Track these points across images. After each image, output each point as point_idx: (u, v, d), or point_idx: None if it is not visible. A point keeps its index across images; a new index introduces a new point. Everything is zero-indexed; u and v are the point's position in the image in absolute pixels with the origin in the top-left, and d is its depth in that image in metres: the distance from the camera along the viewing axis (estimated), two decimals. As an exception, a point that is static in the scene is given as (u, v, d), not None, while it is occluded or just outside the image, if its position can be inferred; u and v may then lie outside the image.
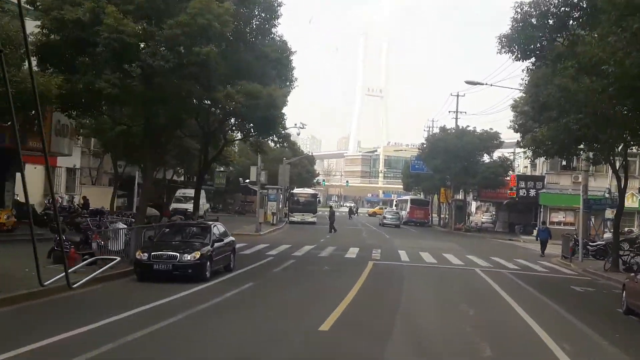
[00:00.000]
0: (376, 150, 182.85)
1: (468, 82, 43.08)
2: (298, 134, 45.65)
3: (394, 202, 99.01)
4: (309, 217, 62.47)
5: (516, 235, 60.48)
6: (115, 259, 9.76)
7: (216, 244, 20.61)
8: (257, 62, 23.78)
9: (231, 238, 23.08)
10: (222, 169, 79.18)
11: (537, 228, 53.84)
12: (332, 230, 48.82)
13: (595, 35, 16.10)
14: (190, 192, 59.08)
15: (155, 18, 20.44)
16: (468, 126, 64.14)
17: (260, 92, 22.54)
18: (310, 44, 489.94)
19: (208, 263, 19.60)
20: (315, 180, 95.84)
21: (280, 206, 65.56)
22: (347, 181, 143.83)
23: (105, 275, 19.45)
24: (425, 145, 65.71)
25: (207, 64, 19.82)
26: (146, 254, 19.07)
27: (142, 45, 20.13)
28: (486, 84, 42.84)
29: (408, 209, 76.84)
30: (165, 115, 22.86)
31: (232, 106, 22.15)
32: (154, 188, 52.32)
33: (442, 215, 79.31)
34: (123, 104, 23.04)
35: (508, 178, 64.41)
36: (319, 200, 68.02)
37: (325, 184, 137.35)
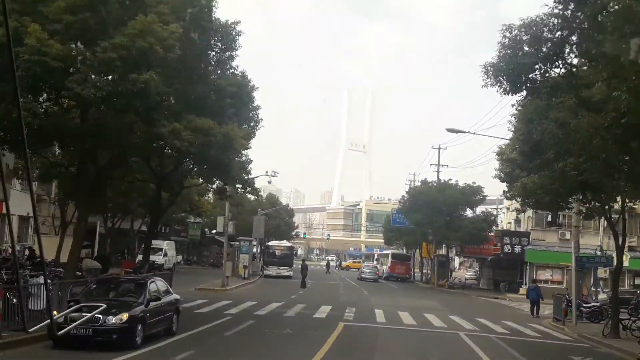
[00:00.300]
0: (358, 204, 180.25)
1: (450, 130, 40.40)
2: (269, 182, 42.52)
3: (375, 257, 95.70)
4: (284, 271, 59.00)
5: (501, 293, 57.30)
6: (102, 306, 9.46)
7: (152, 304, 17.32)
8: (211, 96, 20.87)
9: (174, 296, 19.75)
10: (197, 219, 75.89)
11: (525, 286, 50.79)
12: (304, 285, 45.64)
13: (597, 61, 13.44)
14: (162, 243, 55.85)
15: (88, 40, 17.53)
16: (450, 179, 61.66)
17: (213, 128, 19.55)
18: (298, 97, 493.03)
19: (139, 326, 16.30)
20: (294, 233, 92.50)
21: (255, 259, 62.15)
22: (328, 235, 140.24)
23: (21, 339, 16.26)
24: (406, 199, 62.86)
25: (147, 93, 16.85)
26: (63, 316, 15.72)
27: (71, 70, 17.16)
28: (469, 132, 40.23)
29: (389, 264, 73.54)
30: (104, 153, 19.72)
31: (179, 144, 19.02)
32: (108, 237, 48.96)
33: (424, 271, 76.06)
34: (54, 139, 19.90)
35: (492, 233, 61.63)
36: (296, 253, 64.61)
37: (307, 236, 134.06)
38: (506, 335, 25.04)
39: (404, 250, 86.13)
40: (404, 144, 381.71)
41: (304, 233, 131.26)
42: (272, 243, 61.76)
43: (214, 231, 58.69)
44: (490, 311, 36.32)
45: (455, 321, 28.70)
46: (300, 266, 54.25)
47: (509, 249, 55.77)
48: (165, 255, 54.93)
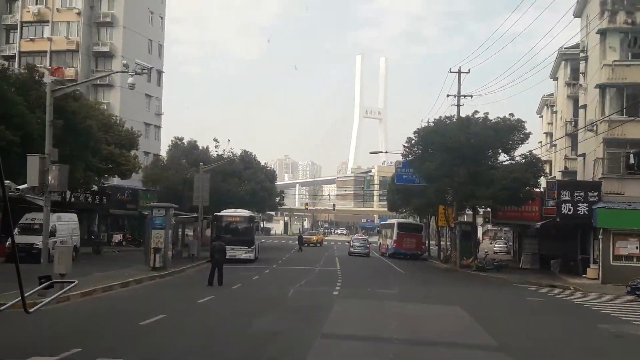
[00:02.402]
0: (370, 171, 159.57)
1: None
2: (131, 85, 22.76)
3: (377, 229, 76.12)
4: (241, 252, 39.64)
5: (555, 276, 37.47)
6: (73, 282, 7.02)
7: None
8: None
9: None
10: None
11: (594, 266, 31.36)
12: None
13: None
14: (51, 217, 36.61)
15: None
16: (476, 112, 41.34)
17: None
18: (314, 67, 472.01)
19: None
20: (277, 200, 72.98)
21: (198, 236, 42.63)
22: (333, 205, 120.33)
23: None
24: (413, 142, 42.32)
25: None
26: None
27: None
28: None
29: (395, 237, 53.76)
30: None
31: None
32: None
33: (442, 244, 56.06)
34: None
35: (539, 189, 41.59)
36: (259, 227, 43.93)
37: (309, 207, 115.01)
38: None
39: (418, 219, 66.06)
40: (420, 110, 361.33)
41: (306, 203, 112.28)
42: (223, 213, 42.10)
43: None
44: (575, 325, 16.70)
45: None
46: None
47: (569, 210, 35.55)
48: (53, 234, 35.54)
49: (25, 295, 4.81)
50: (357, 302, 21.27)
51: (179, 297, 21.48)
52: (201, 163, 43.71)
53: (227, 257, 39.91)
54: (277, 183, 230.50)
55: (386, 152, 48.59)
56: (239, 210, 43.22)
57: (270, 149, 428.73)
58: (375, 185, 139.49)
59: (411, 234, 54.01)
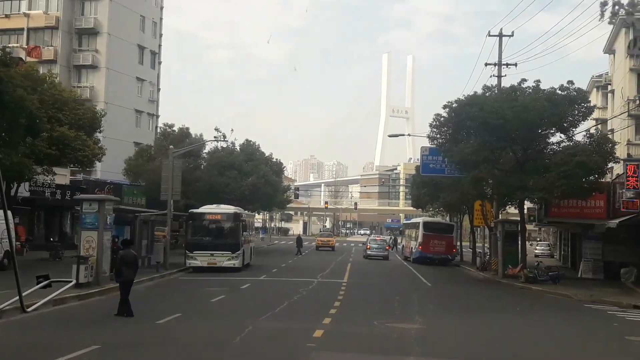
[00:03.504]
0: (396, 168, 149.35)
1: None
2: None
3: (400, 229, 66.57)
4: (222, 259, 30.72)
5: (630, 289, 27.90)
6: (72, 281, 10.18)
7: None
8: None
9: None
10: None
11: None
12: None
13: None
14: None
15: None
16: (524, 80, 31.55)
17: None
18: (342, 66, 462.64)
19: None
20: (286, 196, 63.75)
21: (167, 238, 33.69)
22: (355, 204, 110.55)
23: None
24: (443, 121, 32.42)
25: None
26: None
27: None
28: None
29: (420, 238, 44.16)
30: None
31: None
32: None
33: (477, 249, 46.28)
34: None
35: (612, 178, 31.92)
36: (246, 225, 33.76)
37: (328, 206, 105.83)
38: None
39: (448, 218, 56.32)
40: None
41: (326, 203, 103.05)
42: (201, 209, 33.02)
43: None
44: None
45: None
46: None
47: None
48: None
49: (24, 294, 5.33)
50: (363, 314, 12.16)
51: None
52: (171, 146, 34.58)
53: (206, 264, 31.38)
54: (301, 183, 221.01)
55: (409, 134, 38.60)
56: (222, 206, 33.97)
57: (296, 149, 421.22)
58: (401, 181, 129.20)
59: (440, 235, 44.31)
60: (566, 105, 29.93)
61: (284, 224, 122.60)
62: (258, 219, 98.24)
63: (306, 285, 25.55)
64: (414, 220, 55.43)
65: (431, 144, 34.20)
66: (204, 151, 51.48)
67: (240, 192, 49.44)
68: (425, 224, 45.42)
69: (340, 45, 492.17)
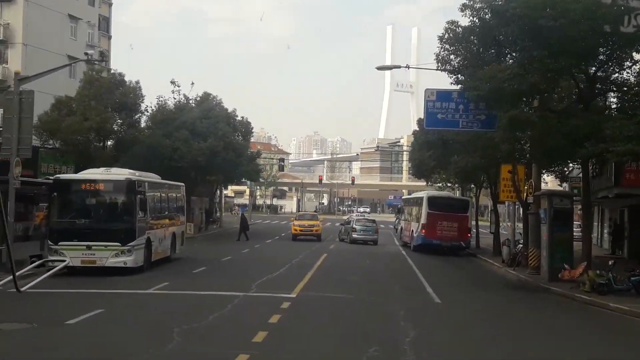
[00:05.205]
0: (399, 141, 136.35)
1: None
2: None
3: (398, 206, 54.05)
4: (106, 255, 18.51)
5: None
6: (65, 261, 9.10)
7: None
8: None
9: None
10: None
11: None
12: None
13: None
14: None
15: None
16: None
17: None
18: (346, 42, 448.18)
19: None
20: (259, 167, 51.26)
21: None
22: (352, 179, 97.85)
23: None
24: (460, 33, 19.51)
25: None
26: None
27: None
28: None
29: (424, 219, 31.78)
30: None
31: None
32: None
33: (507, 236, 33.90)
34: None
35: None
36: (145, 200, 20.76)
37: (324, 181, 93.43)
38: None
39: (459, 192, 43.69)
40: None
41: (320, 180, 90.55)
42: (74, 176, 20.86)
43: None
44: None
45: None
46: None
47: None
48: None
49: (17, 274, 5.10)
50: None
51: None
52: (15, 72, 21.99)
53: (80, 263, 19.52)
54: (302, 160, 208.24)
55: (407, 66, 25.22)
56: (113, 169, 21.32)
57: (299, 124, 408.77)
58: (405, 155, 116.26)
59: (450, 215, 31.90)
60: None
61: (276, 201, 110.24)
62: (245, 192, 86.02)
63: (214, 310, 13.30)
64: (415, 194, 42.68)
65: (441, 70, 21.04)
66: (150, 106, 39.50)
67: (192, 158, 37.32)
68: (430, 199, 32.74)
69: (345, 19, 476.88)
